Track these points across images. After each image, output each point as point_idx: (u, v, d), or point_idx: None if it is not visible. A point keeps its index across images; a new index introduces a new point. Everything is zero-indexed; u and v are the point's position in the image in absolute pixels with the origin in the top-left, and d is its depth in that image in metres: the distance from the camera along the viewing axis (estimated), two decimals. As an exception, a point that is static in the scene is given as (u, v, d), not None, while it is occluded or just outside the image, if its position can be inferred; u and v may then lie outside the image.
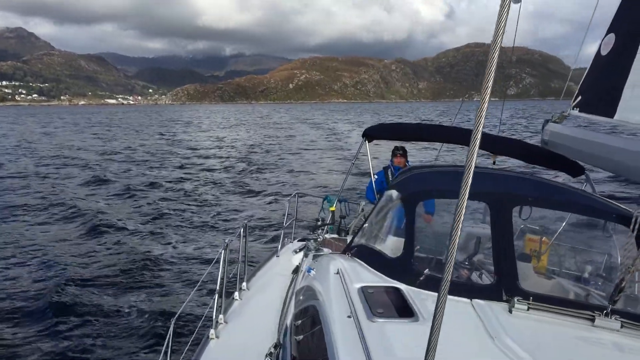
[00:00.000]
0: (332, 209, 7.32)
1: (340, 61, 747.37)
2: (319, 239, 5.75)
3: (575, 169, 5.97)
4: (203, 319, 5.33)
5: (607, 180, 20.12)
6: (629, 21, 5.17)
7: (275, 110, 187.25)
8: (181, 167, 30.35)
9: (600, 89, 5.47)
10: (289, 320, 3.93)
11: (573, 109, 5.94)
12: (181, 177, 25.97)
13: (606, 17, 5.57)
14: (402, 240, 3.91)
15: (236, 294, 5.49)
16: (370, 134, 7.02)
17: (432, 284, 3.49)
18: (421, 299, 3.34)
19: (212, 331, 4.60)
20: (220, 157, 35.36)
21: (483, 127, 1.63)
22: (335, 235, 6.54)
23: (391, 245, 4.15)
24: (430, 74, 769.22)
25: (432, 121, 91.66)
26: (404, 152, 7.79)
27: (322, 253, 5.00)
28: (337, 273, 3.78)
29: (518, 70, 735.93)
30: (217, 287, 4.79)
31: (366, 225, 4.50)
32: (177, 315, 4.63)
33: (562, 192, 4.01)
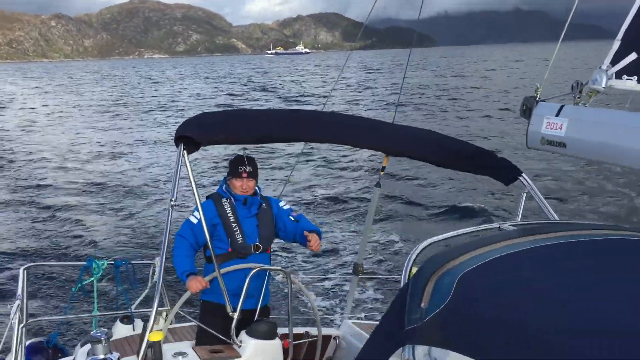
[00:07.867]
0: (156, 332, 2.99)
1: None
2: None
3: (509, 173, 3.94)
4: None
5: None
6: None
7: None
8: None
9: None
10: None
11: (617, 76, 3.07)
12: None
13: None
14: None
15: None
16: (192, 137, 3.36)
17: None
18: None
19: None
20: None
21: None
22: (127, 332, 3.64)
23: None
24: (96, 31, 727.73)
25: (115, 76, 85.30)
26: (254, 170, 3.93)
27: None
28: None
29: (185, 27, 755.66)
30: None
31: None
32: None
33: None
